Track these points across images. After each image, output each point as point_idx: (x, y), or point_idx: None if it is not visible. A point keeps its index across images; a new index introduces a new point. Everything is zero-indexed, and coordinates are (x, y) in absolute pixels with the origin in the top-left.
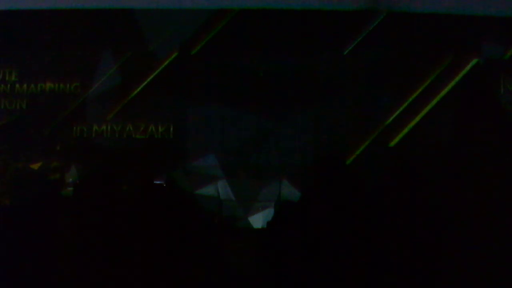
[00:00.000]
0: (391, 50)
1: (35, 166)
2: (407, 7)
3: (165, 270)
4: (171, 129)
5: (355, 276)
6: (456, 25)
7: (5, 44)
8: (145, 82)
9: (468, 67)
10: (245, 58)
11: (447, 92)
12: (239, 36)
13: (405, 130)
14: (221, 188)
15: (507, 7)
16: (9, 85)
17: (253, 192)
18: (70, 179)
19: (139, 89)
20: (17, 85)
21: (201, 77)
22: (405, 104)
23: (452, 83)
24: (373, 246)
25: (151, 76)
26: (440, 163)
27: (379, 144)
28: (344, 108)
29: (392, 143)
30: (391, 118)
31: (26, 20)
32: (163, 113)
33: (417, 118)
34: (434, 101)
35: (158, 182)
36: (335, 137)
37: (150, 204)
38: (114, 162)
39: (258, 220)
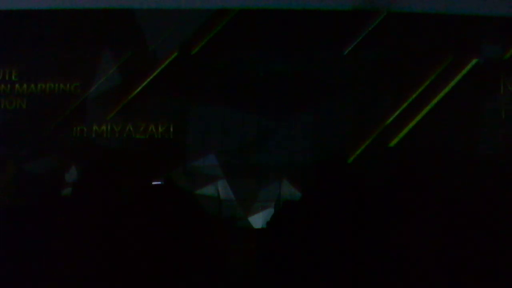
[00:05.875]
0: (390, 50)
1: (35, 166)
2: (407, 7)
3: (165, 271)
4: (171, 129)
5: (356, 276)
6: (456, 25)
7: (5, 44)
8: (145, 82)
9: (468, 67)
10: (245, 58)
11: (447, 92)
12: (239, 36)
13: (405, 130)
14: (221, 188)
15: (507, 7)
16: (9, 85)
17: (253, 192)
18: (70, 180)
19: (139, 89)
20: (17, 85)
21: (201, 77)
22: (405, 105)
23: (452, 83)
24: (374, 246)
25: (151, 76)
26: (440, 164)
27: (379, 144)
28: (344, 109)
29: (392, 144)
30: (391, 119)
31: (26, 20)
32: (163, 113)
33: (417, 118)
34: (434, 102)
35: (158, 182)
36: (335, 137)
37: (150, 205)
38: (114, 162)
39: (258, 220)
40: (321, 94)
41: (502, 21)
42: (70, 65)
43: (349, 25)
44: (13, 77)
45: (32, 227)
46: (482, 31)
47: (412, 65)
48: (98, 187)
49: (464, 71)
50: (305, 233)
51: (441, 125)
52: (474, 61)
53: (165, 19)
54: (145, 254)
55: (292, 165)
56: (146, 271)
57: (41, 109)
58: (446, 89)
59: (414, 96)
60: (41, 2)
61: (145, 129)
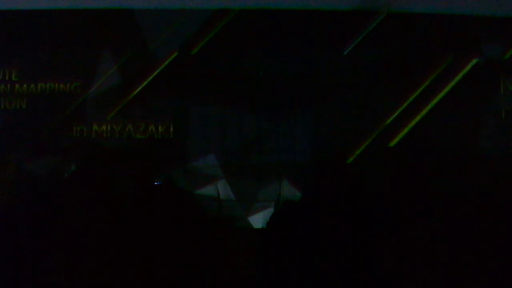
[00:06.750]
0: (390, 50)
1: (35, 166)
2: (407, 7)
3: (165, 271)
4: (171, 129)
5: (356, 275)
6: (456, 25)
7: (5, 44)
8: (145, 82)
9: (468, 67)
10: (245, 58)
11: (447, 92)
12: (239, 36)
13: (405, 130)
14: (221, 188)
15: (507, 7)
16: (9, 85)
17: (253, 192)
18: (70, 179)
19: (139, 89)
20: (17, 85)
21: (201, 77)
22: (405, 105)
23: (452, 83)
24: (374, 246)
25: (151, 76)
26: (440, 163)
27: (379, 144)
28: (344, 109)
29: (392, 143)
30: (391, 118)
31: (26, 20)
32: (163, 113)
33: (417, 118)
34: (434, 102)
35: (158, 182)
36: (335, 137)
37: (150, 205)
38: (114, 162)
39: (258, 220)
40: (321, 94)
41: (502, 21)
42: (70, 65)
43: (349, 25)
44: (13, 77)
45: (31, 227)
46: (482, 31)
47: (412, 65)
48: (98, 187)
49: (464, 71)
50: (305, 233)
51: (441, 125)
52: (474, 61)
53: (165, 19)
54: (145, 254)
55: (292, 165)
56: (146, 271)
57: (41, 109)
58: (446, 89)
59: (414, 96)
60: (41, 2)
61: (145, 129)
